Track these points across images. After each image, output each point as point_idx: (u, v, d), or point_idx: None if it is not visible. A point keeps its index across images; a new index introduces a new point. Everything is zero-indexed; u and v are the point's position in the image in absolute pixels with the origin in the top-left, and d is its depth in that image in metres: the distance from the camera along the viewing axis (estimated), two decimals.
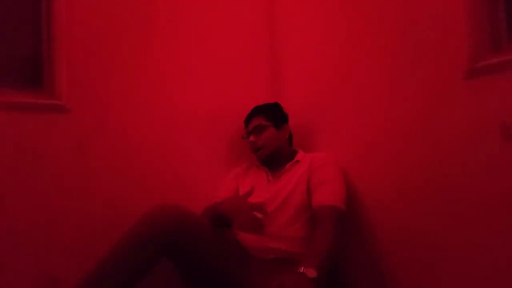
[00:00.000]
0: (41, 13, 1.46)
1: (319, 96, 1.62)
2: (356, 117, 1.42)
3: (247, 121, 1.58)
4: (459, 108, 1.05)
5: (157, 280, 1.26)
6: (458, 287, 1.08)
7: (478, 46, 1.03)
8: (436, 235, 1.13)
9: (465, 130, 1.04)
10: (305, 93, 1.70)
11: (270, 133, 1.51)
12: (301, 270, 1.00)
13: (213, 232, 1.27)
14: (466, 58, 1.03)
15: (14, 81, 1.42)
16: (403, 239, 1.24)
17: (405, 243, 1.24)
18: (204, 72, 1.71)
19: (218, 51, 1.75)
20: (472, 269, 1.04)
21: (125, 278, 1.10)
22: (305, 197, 1.37)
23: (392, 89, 1.26)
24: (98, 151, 1.47)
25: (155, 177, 1.57)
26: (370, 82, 1.35)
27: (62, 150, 1.41)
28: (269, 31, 1.88)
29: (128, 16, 1.56)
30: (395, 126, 1.26)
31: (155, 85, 1.60)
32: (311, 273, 0.99)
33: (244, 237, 1.37)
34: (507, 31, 1.02)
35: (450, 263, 1.10)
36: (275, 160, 1.51)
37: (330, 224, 1.20)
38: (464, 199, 1.05)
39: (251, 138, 1.51)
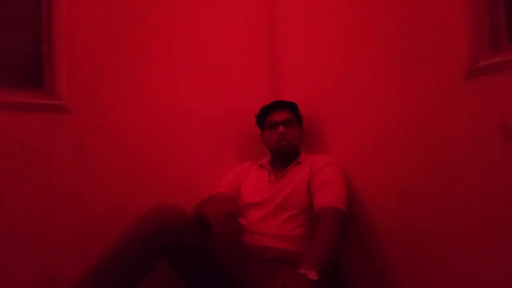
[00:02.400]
0: (41, 13, 1.46)
1: (320, 97, 1.62)
2: (357, 117, 1.42)
3: (274, 109, 1.55)
4: (459, 108, 1.05)
5: (157, 280, 1.26)
6: (459, 287, 1.08)
7: (478, 46, 1.03)
8: (437, 235, 1.13)
9: (466, 129, 1.04)
10: (305, 93, 1.70)
11: (297, 130, 1.54)
12: (302, 272, 1.01)
13: (212, 231, 1.27)
14: (467, 58, 1.03)
15: (14, 81, 1.42)
16: (404, 240, 1.24)
17: (405, 243, 1.24)
18: (204, 72, 1.71)
19: (219, 51, 1.75)
20: (473, 269, 1.04)
21: (124, 277, 1.10)
22: (306, 197, 1.37)
23: (392, 90, 1.26)
24: (98, 151, 1.47)
25: (155, 177, 1.57)
26: (370, 83, 1.35)
27: (62, 150, 1.40)
28: (269, 31, 1.88)
29: (128, 16, 1.56)
30: (396, 126, 1.26)
31: (156, 85, 1.60)
32: (312, 275, 1.00)
33: (243, 237, 1.37)
34: (507, 31, 1.03)
35: (451, 264, 1.10)
36: (284, 157, 1.52)
37: (332, 225, 1.20)
38: (465, 199, 1.05)
39: (281, 129, 1.49)
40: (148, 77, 1.59)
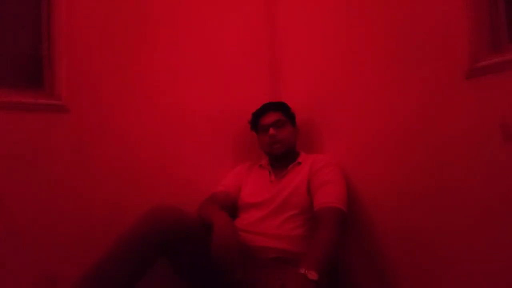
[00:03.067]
0: (41, 13, 1.46)
1: (320, 97, 1.62)
2: (357, 117, 1.42)
3: (263, 113, 1.56)
4: (460, 108, 1.05)
5: (157, 280, 1.26)
6: (460, 287, 1.08)
7: (478, 46, 1.03)
8: (437, 235, 1.13)
9: (466, 129, 1.04)
10: (305, 93, 1.70)
11: (289, 129, 1.53)
12: (303, 272, 1.01)
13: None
14: (467, 58, 1.03)
15: (14, 81, 1.42)
16: (404, 240, 1.24)
17: (405, 244, 1.24)
18: (204, 73, 1.71)
19: (219, 51, 1.75)
20: (473, 269, 1.04)
21: (124, 277, 1.10)
22: (306, 197, 1.37)
23: (392, 90, 1.26)
24: (98, 151, 1.47)
25: (155, 177, 1.57)
26: (370, 83, 1.35)
27: (62, 150, 1.40)
28: (269, 31, 1.88)
29: (128, 17, 1.56)
30: (396, 126, 1.26)
31: (155, 85, 1.60)
32: (312, 275, 1.00)
33: (243, 237, 1.37)
34: (507, 31, 1.03)
35: (451, 264, 1.10)
36: (283, 158, 1.52)
37: (332, 225, 1.20)
38: (465, 199, 1.05)
39: (271, 131, 1.49)
40: (148, 77, 1.59)
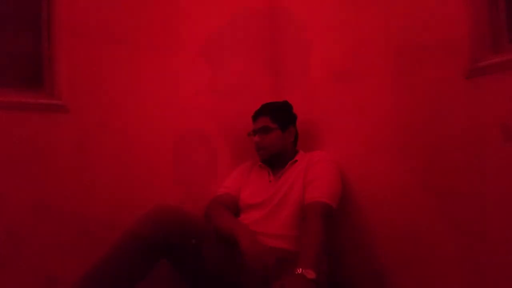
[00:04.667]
0: (41, 13, 1.46)
1: (320, 96, 1.62)
2: (357, 116, 1.41)
3: (255, 118, 1.57)
4: (460, 107, 1.05)
5: (157, 280, 1.26)
6: (457, 287, 1.08)
7: (478, 46, 1.03)
8: (437, 236, 1.13)
9: (466, 129, 1.04)
10: (305, 93, 1.70)
11: (274, 136, 1.51)
12: (300, 272, 1.01)
13: (211, 232, 1.27)
14: (467, 58, 1.03)
15: (14, 81, 1.42)
16: (402, 239, 1.24)
17: (404, 243, 1.24)
18: (205, 72, 1.71)
19: (219, 51, 1.75)
20: (473, 269, 1.04)
21: (124, 279, 1.10)
22: (302, 194, 1.37)
23: (392, 90, 1.26)
24: (98, 151, 1.47)
25: (155, 177, 1.57)
26: (371, 82, 1.35)
27: (62, 150, 1.40)
28: (270, 30, 1.88)
29: (128, 17, 1.56)
30: (396, 126, 1.26)
31: (155, 85, 1.60)
32: (310, 274, 1.00)
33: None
34: (507, 31, 1.03)
35: (450, 264, 1.10)
36: (276, 160, 1.52)
37: (314, 219, 1.19)
38: (464, 199, 1.05)
39: (256, 138, 1.51)
40: (148, 77, 1.59)
